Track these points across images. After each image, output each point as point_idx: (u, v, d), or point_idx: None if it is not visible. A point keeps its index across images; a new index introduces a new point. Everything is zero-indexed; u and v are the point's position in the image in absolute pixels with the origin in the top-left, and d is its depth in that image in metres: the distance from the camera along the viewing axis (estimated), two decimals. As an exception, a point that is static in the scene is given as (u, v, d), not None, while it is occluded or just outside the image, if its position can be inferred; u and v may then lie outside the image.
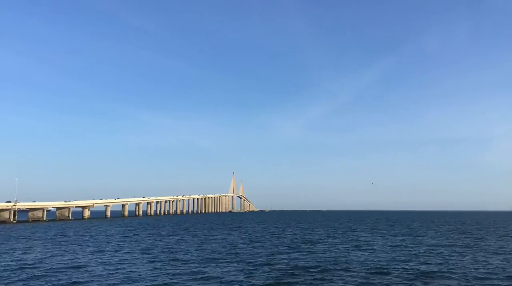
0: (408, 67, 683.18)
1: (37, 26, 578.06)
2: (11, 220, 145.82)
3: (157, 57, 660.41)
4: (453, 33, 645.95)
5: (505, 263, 42.69)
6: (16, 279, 32.88)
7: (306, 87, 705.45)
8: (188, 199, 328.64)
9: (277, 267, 39.04)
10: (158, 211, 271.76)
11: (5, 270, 36.97)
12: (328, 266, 39.65)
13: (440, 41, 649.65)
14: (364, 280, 32.20)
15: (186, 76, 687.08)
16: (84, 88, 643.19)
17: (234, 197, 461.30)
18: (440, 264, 41.37)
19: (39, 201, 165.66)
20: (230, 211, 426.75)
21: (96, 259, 44.51)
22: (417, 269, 37.49)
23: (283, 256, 46.98)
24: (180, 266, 39.31)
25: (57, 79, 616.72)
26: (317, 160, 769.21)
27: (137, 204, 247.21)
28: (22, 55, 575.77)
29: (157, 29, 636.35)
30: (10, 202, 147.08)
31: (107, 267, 38.76)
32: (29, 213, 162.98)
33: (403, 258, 45.63)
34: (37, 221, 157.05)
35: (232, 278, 33.19)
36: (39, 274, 35.08)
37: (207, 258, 45.18)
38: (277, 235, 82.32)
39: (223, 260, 43.56)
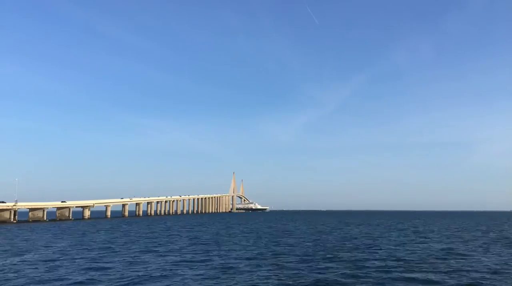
0: (383, 79, 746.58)
1: (36, 28, 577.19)
2: (12, 220, 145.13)
3: (157, 70, 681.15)
4: (418, 51, 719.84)
5: None
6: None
7: (294, 96, 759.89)
8: (188, 199, 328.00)
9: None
10: (158, 211, 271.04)
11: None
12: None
13: (408, 57, 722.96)
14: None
15: (185, 86, 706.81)
16: (84, 91, 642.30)
17: (235, 197, 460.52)
18: None
19: (39, 201, 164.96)
20: (230, 211, 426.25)
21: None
22: None
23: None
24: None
25: (57, 80, 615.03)
26: (313, 162, 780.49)
27: (137, 204, 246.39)
28: (21, 55, 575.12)
29: (156, 46, 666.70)
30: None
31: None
32: (30, 213, 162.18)
33: None
34: (37, 221, 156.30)
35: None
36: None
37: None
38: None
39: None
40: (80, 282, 31.23)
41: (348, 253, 48.90)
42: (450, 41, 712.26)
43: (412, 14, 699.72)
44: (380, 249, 53.55)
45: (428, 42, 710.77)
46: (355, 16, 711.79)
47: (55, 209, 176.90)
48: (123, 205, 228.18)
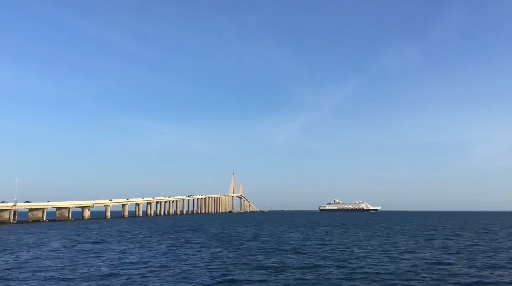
0: (376, 83, 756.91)
1: (37, 31, 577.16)
2: (11, 220, 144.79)
3: (158, 74, 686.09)
4: (406, 57, 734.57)
5: None
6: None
7: (290, 99, 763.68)
8: (188, 199, 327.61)
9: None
10: (158, 212, 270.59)
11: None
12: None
13: (397, 63, 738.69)
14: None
15: (185, 89, 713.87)
16: (85, 93, 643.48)
17: (234, 197, 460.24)
18: None
19: (39, 201, 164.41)
20: (230, 211, 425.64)
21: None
22: None
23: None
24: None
25: (58, 83, 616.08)
26: (311, 162, 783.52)
27: (137, 204, 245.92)
28: (22, 57, 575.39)
29: (155, 50, 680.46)
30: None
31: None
32: (29, 213, 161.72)
33: None
34: (37, 221, 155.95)
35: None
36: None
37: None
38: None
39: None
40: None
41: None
42: (435, 48, 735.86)
43: (398, 23, 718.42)
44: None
45: (415, 49, 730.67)
46: (345, 23, 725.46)
47: (54, 209, 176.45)
48: (123, 205, 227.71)
